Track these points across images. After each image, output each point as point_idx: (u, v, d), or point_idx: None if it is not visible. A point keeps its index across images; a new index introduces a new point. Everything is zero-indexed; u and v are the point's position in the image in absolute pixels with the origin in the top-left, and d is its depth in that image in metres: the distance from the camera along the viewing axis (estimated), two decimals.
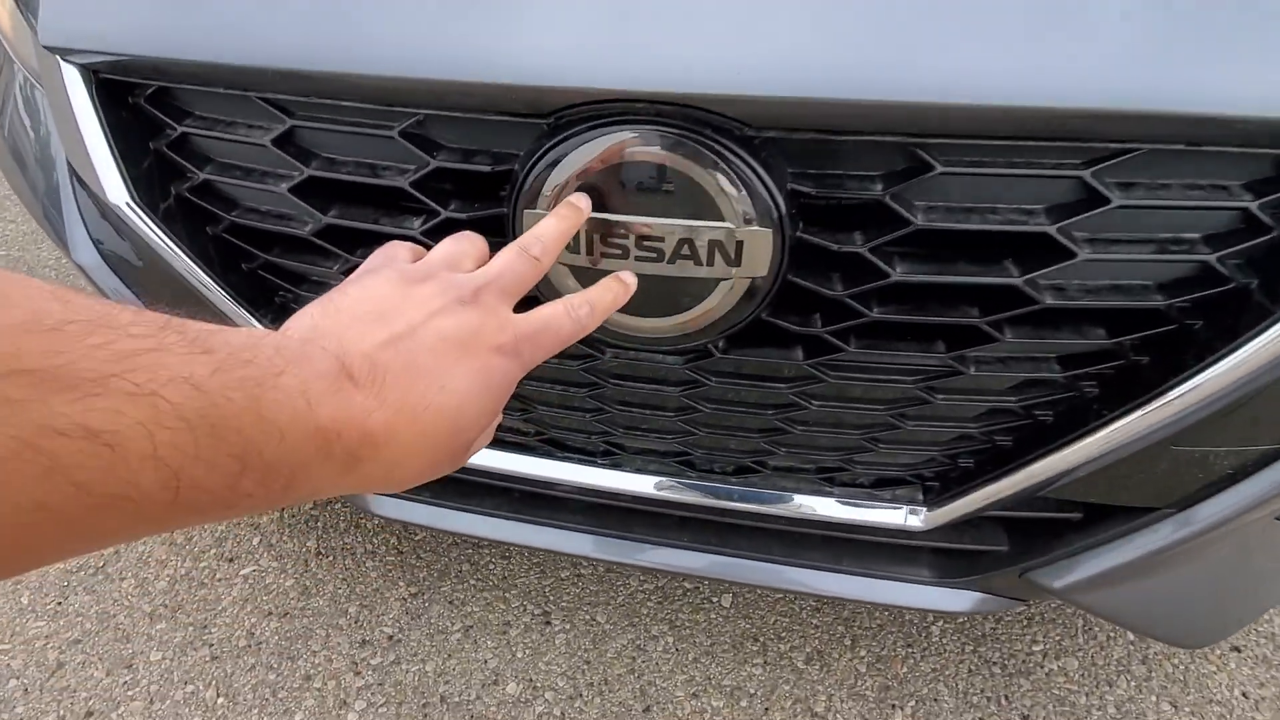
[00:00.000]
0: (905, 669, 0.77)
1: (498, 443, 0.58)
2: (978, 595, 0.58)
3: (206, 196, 0.46)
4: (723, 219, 0.37)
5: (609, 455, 0.56)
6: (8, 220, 1.56)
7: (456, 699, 0.76)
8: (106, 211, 0.48)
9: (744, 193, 0.36)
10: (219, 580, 0.87)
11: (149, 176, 0.46)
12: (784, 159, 0.37)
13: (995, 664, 0.77)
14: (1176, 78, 0.32)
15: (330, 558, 0.89)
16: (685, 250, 0.38)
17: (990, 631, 0.80)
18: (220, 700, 0.76)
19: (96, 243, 0.54)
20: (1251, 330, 0.36)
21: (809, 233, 0.38)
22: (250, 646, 0.80)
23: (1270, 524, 0.56)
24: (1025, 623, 0.81)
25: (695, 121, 0.35)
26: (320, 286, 0.48)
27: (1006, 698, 0.74)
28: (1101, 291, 0.38)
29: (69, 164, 0.53)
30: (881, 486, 0.53)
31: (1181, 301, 0.37)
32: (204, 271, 0.47)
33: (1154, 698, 0.74)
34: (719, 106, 0.35)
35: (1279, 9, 0.32)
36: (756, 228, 0.37)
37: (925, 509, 0.51)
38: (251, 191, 0.45)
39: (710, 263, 0.38)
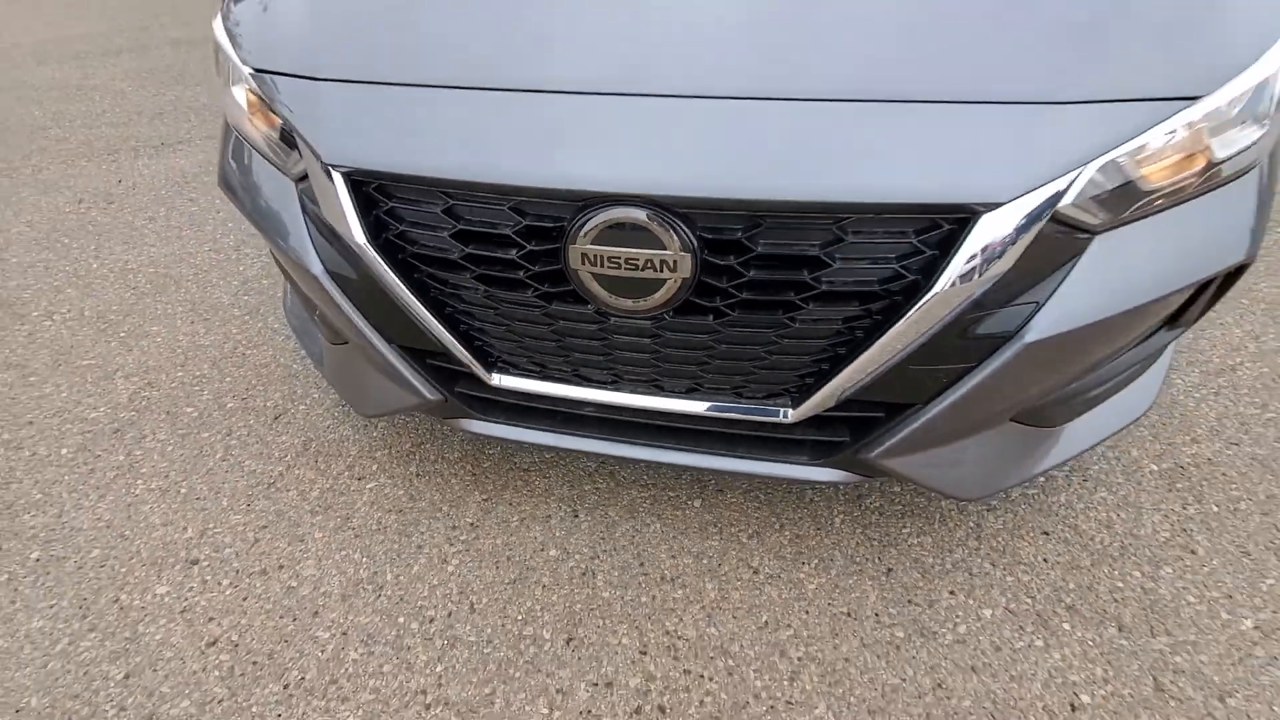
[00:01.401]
0: (814, 541, 1.15)
1: (546, 377, 0.97)
2: (836, 471, 0.96)
3: (402, 238, 0.87)
4: (666, 249, 0.76)
5: (611, 382, 0.95)
6: (148, 245, 2.02)
7: (516, 559, 1.15)
8: (344, 246, 0.89)
9: (676, 237, 0.75)
10: (353, 491, 1.28)
11: (372, 227, 0.87)
12: (694, 221, 0.76)
13: (874, 540, 1.15)
14: (866, 184, 0.71)
15: (426, 477, 1.29)
16: (649, 264, 0.77)
17: (875, 521, 1.17)
18: (364, 559, 1.16)
19: (324, 260, 0.95)
20: (918, 302, 0.74)
21: (707, 256, 0.77)
22: (379, 530, 1.21)
23: (1006, 424, 0.94)
24: (899, 515, 1.18)
25: (653, 204, 0.75)
26: (457, 288, 0.89)
27: (879, 558, 1.12)
28: (851, 282, 0.77)
29: (313, 216, 0.94)
30: (768, 398, 0.91)
31: (890, 287, 0.76)
32: (398, 278, 0.87)
33: (980, 560, 1.11)
34: (663, 199, 0.74)
35: (914, 138, 0.71)
36: (683, 253, 0.76)
37: (791, 409, 0.89)
38: (426, 235, 0.86)
39: (661, 271, 0.77)
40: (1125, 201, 0.77)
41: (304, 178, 0.94)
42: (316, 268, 0.95)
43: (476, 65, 0.86)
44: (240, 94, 1.05)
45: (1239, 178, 0.85)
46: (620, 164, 0.76)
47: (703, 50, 0.82)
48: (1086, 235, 0.77)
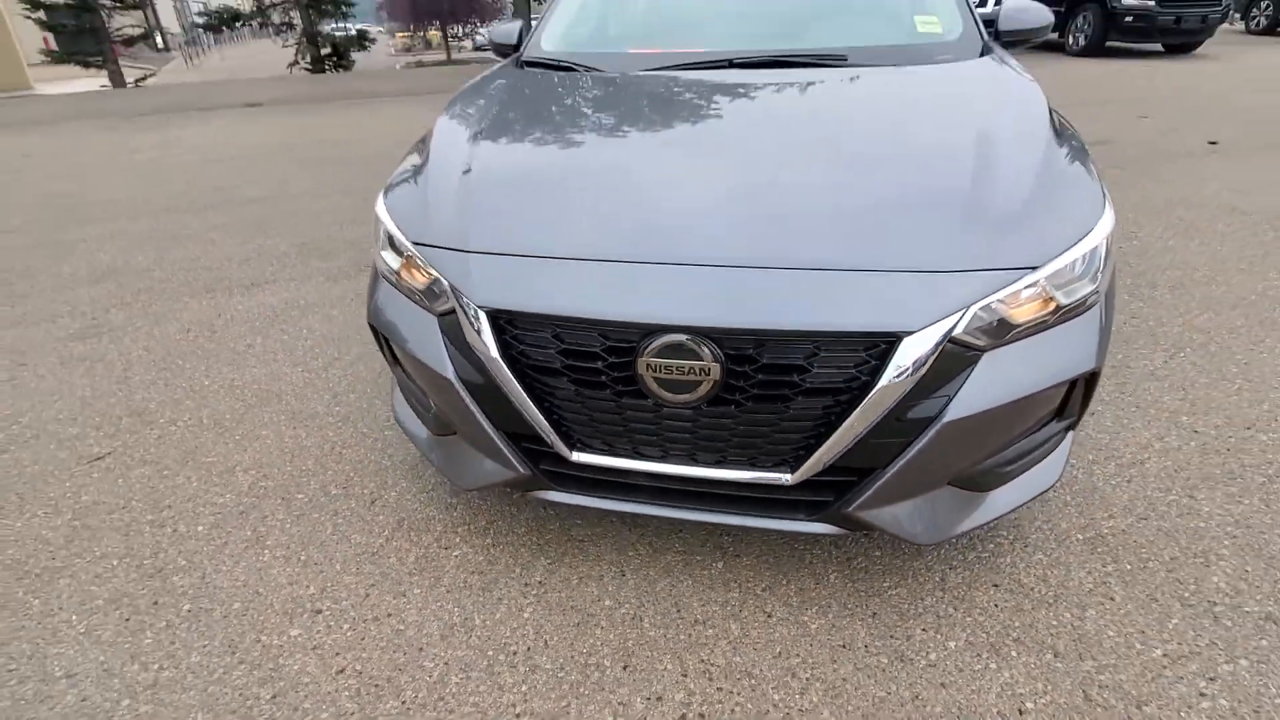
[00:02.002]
0: (815, 593, 1.45)
1: (613, 454, 1.33)
2: (826, 525, 1.30)
3: (521, 354, 1.27)
4: (702, 360, 1.16)
5: (660, 456, 1.31)
6: (250, 366, 2.43)
7: (578, 608, 1.44)
8: (477, 359, 1.29)
9: (708, 353, 1.15)
10: (441, 557, 1.58)
11: (507, 347, 1.27)
12: (720, 343, 1.16)
13: (862, 591, 1.45)
14: (832, 320, 1.12)
15: (500, 546, 1.61)
16: (691, 371, 1.17)
17: (861, 577, 1.48)
18: (455, 609, 1.45)
19: (457, 367, 1.34)
20: (868, 395, 1.13)
21: (730, 365, 1.17)
22: (465, 587, 1.50)
23: (948, 491, 1.29)
24: (880, 573, 1.49)
25: (694, 332, 1.16)
26: (555, 388, 1.27)
27: (866, 605, 1.41)
28: (825, 383, 1.16)
29: (453, 339, 1.34)
30: (774, 467, 1.27)
31: (850, 385, 1.15)
32: (516, 381, 1.26)
33: (945, 605, 1.41)
34: (700, 329, 1.15)
35: (836, 286, 1.13)
36: (714, 363, 1.16)
37: (790, 474, 1.25)
38: (538, 352, 1.26)
39: (699, 376, 1.17)
40: (1002, 331, 1.18)
41: (446, 314, 1.35)
42: (451, 374, 1.34)
43: (574, 244, 1.30)
44: (392, 257, 1.50)
45: (1084, 313, 1.27)
46: (671, 307, 1.18)
47: (722, 237, 1.27)
48: (978, 352, 1.17)
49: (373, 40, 16.51)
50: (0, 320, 2.94)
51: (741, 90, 1.84)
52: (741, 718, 1.21)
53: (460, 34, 34.20)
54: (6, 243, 3.95)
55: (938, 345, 1.13)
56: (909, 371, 1.12)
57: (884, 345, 1.13)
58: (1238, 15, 13.06)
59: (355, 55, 15.20)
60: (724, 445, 1.26)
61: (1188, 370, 2.18)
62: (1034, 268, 1.19)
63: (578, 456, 1.33)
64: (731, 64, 1.96)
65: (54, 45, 13.82)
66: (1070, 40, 10.72)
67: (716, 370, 1.16)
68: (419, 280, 1.42)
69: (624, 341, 1.20)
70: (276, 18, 14.18)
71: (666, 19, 2.41)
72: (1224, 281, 2.80)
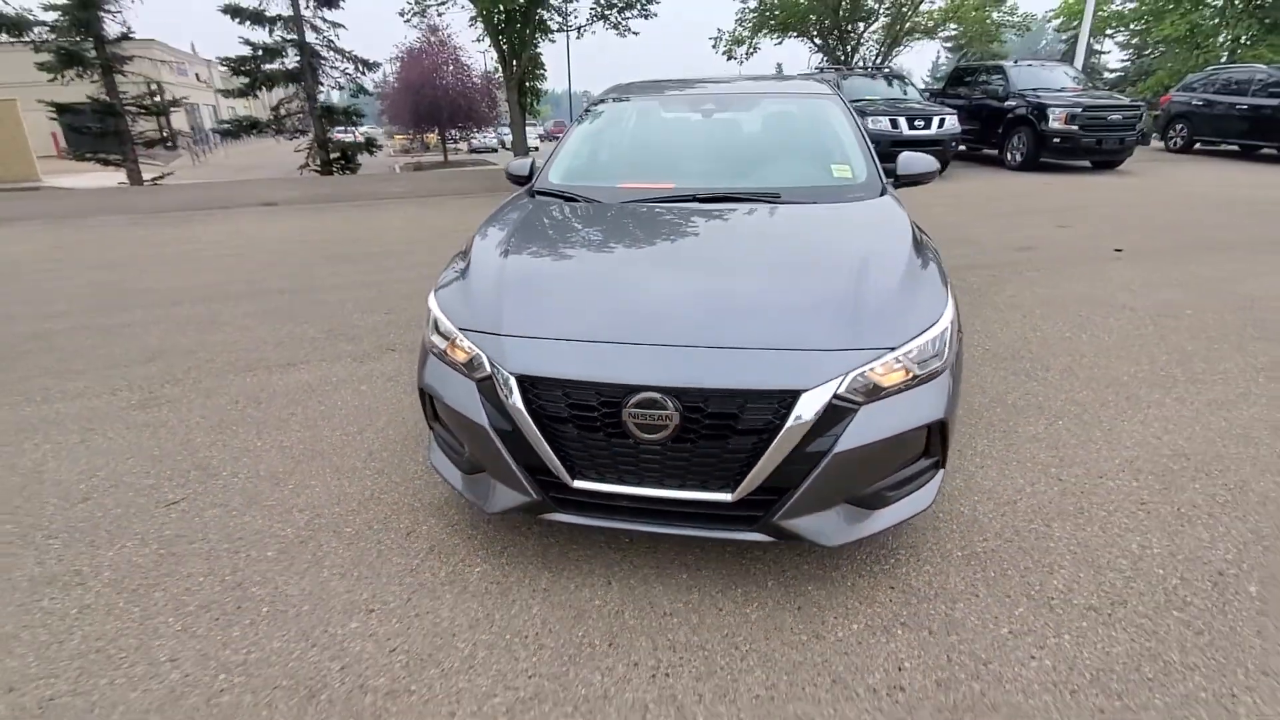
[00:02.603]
0: (756, 594, 1.89)
1: (603, 480, 1.80)
2: (759, 534, 1.77)
3: (540, 406, 1.77)
4: (667, 410, 1.67)
5: (639, 482, 1.79)
6: (294, 430, 2.89)
7: (574, 605, 1.87)
8: (506, 411, 1.79)
9: (672, 404, 1.67)
10: (466, 573, 2.01)
11: (530, 402, 1.77)
12: (679, 398, 1.68)
13: (790, 590, 1.90)
14: (755, 381, 1.66)
15: (513, 564, 2.04)
16: (660, 418, 1.68)
17: (790, 583, 1.93)
18: (479, 608, 1.87)
19: (489, 417, 1.84)
20: (779, 434, 1.64)
21: (686, 414, 1.68)
22: (488, 593, 1.92)
23: (844, 507, 1.79)
24: (803, 579, 1.94)
25: (661, 391, 1.67)
26: (562, 432, 1.77)
27: (793, 600, 1.86)
28: (752, 425, 1.67)
29: (489, 397, 1.84)
30: (720, 489, 1.75)
31: (769, 426, 1.66)
32: (537, 427, 1.76)
33: (851, 601, 1.86)
34: (665, 389, 1.67)
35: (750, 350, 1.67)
36: (675, 412, 1.67)
37: (731, 494, 1.73)
38: (552, 405, 1.76)
39: (666, 421, 1.67)
40: (874, 391, 1.71)
41: (483, 379, 1.87)
42: (485, 423, 1.84)
43: (578, 330, 1.84)
44: (439, 339, 2.03)
45: (935, 379, 1.81)
46: (646, 374, 1.70)
47: (681, 326, 1.81)
48: (857, 405, 1.70)
49: (379, 147, 17.86)
50: (64, 394, 3.39)
51: (701, 218, 2.46)
52: (695, 675, 1.64)
53: (456, 137, 36.40)
54: (57, 326, 4.44)
55: (828, 401, 1.65)
56: (807, 418, 1.64)
57: (790, 399, 1.65)
58: (1157, 135, 14.70)
59: (370, 155, 16.43)
60: (684, 472, 1.75)
61: (1062, 434, 2.73)
62: (893, 348, 1.75)
63: (578, 484, 1.81)
64: (696, 199, 2.60)
65: (63, 144, 14.77)
66: (1009, 157, 12.03)
67: (677, 417, 1.67)
68: (461, 356, 1.94)
69: (613, 397, 1.72)
70: (291, 125, 15.39)
71: (648, 162, 3.10)
72: (1105, 365, 3.41)
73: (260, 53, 14.54)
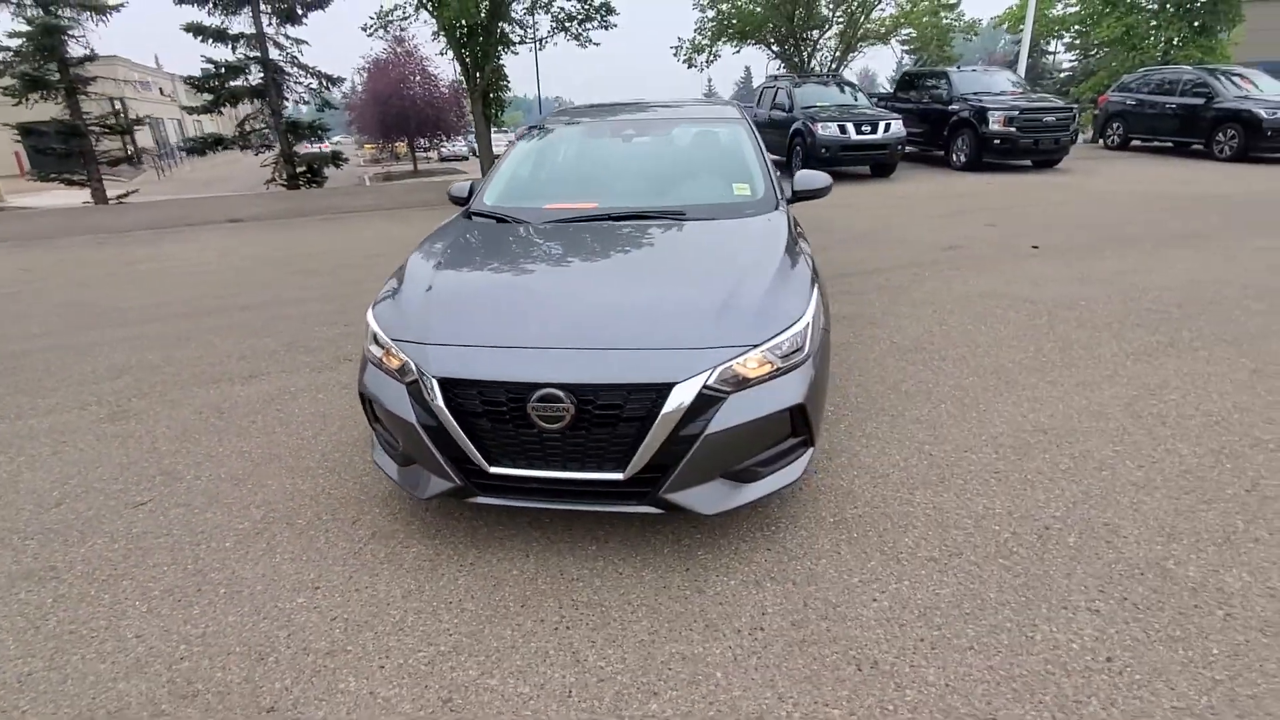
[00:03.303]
0: (655, 559, 2.20)
1: (514, 465, 2.10)
2: (649, 507, 2.08)
3: (459, 404, 2.07)
4: (564, 403, 1.97)
5: (545, 465, 2.08)
6: (253, 437, 3.14)
7: (495, 575, 2.16)
8: (430, 410, 2.08)
9: (568, 399, 1.97)
10: (403, 552, 2.29)
11: (450, 400, 2.07)
12: (574, 392, 1.98)
13: (682, 555, 2.21)
14: (635, 376, 1.97)
15: (444, 544, 2.32)
16: (558, 410, 1.98)
17: (685, 551, 2.24)
18: (413, 581, 2.15)
19: (418, 415, 2.12)
20: (657, 419, 1.95)
21: (580, 405, 1.99)
22: (420, 569, 2.21)
23: (720, 481, 2.11)
24: (695, 547, 2.25)
25: (559, 387, 1.98)
26: (478, 424, 2.06)
27: (684, 564, 2.17)
28: (634, 413, 1.98)
29: (416, 398, 2.13)
30: (613, 469, 2.06)
31: (650, 413, 1.97)
32: (455, 422, 2.05)
33: (734, 562, 2.17)
34: (562, 385, 1.98)
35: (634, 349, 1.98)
36: (570, 405, 1.97)
37: (622, 473, 2.04)
38: (469, 402, 2.06)
39: (564, 413, 1.98)
40: (741, 382, 2.03)
41: (412, 383, 2.15)
42: (414, 420, 2.12)
43: (492, 337, 2.14)
44: (376, 349, 2.31)
45: (796, 369, 2.14)
46: (547, 373, 2.00)
47: (578, 331, 2.12)
48: (725, 394, 2.02)
49: (345, 159, 17.97)
50: (36, 410, 3.60)
51: (610, 235, 2.78)
52: (591, 626, 1.94)
53: (426, 146, 36.38)
54: (29, 346, 4.63)
55: (698, 391, 1.97)
56: (680, 406, 1.96)
57: (664, 391, 1.96)
58: (1096, 135, 15.38)
59: (337, 168, 16.57)
60: (581, 456, 2.06)
61: (943, 415, 3.09)
62: (756, 344, 2.07)
63: (494, 469, 2.11)
64: (610, 217, 2.92)
65: (26, 165, 14.70)
66: (954, 158, 12.55)
67: (573, 409, 1.98)
68: (394, 363, 2.23)
69: (518, 394, 2.01)
70: (256, 140, 15.47)
71: (572, 184, 3.42)
72: (995, 354, 3.79)
73: (223, 70, 14.61)
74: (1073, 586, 2.02)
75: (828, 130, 11.84)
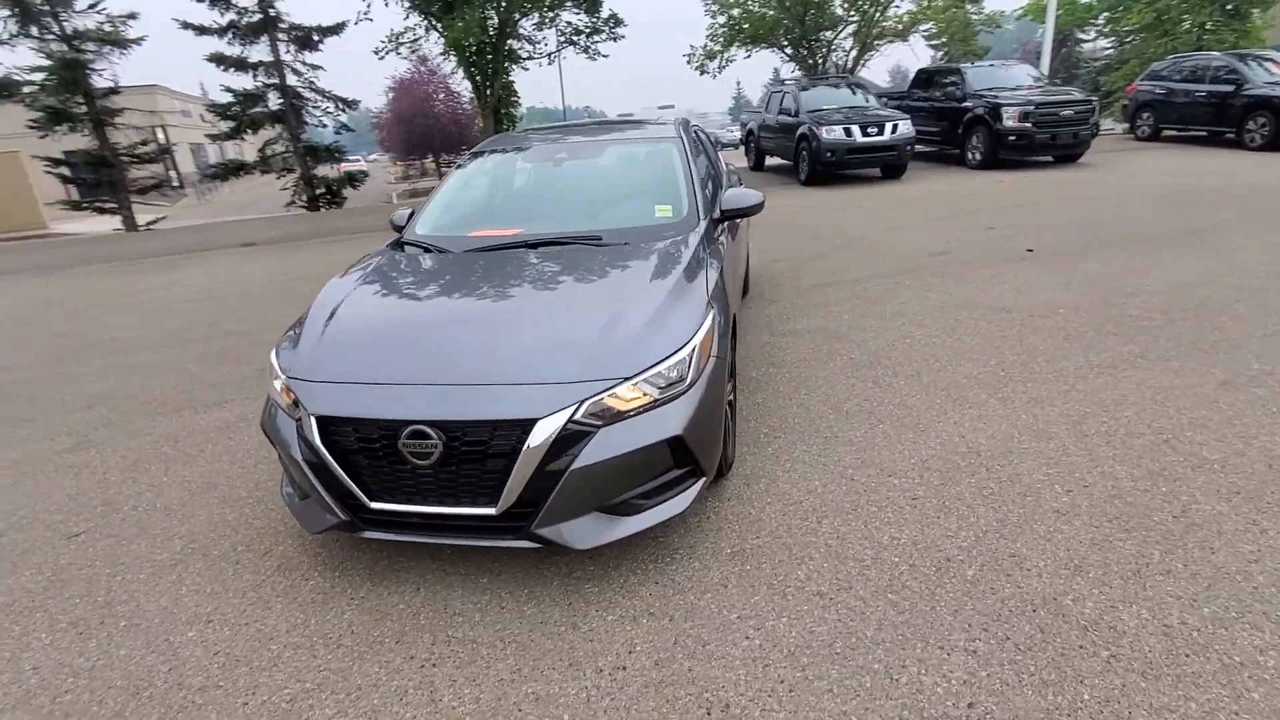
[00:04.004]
0: (541, 592, 2.18)
1: (393, 501, 2.11)
2: (524, 542, 2.06)
3: (336, 441, 2.09)
4: (433, 439, 1.98)
5: (419, 500, 2.09)
6: (198, 466, 3.23)
7: (384, 609, 2.17)
8: (313, 447, 2.11)
9: (436, 435, 1.97)
10: (300, 582, 2.32)
11: (327, 439, 2.09)
12: (442, 429, 1.99)
13: (570, 589, 2.18)
14: (500, 412, 1.96)
15: (342, 576, 2.35)
16: (427, 446, 1.98)
17: (574, 585, 2.22)
18: (302, 613, 2.18)
19: (302, 451, 2.15)
20: (521, 455, 1.94)
21: (449, 442, 1.99)
22: (315, 601, 2.24)
23: (595, 515, 2.09)
24: (582, 579, 2.23)
25: (428, 424, 1.98)
26: (356, 461, 2.08)
27: (567, 596, 2.15)
28: (501, 449, 1.97)
29: (303, 435, 2.16)
30: (485, 504, 2.05)
31: (515, 449, 1.96)
32: (333, 459, 2.08)
33: (618, 595, 2.14)
34: (430, 423, 1.98)
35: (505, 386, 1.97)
36: (439, 442, 1.97)
37: (494, 508, 2.03)
38: (346, 439, 2.08)
39: (432, 449, 1.98)
40: (613, 416, 2.01)
41: (300, 420, 2.19)
42: (300, 457, 2.16)
43: (369, 375, 2.16)
44: (279, 384, 2.36)
45: (676, 399, 2.10)
46: (415, 410, 2.01)
47: (450, 367, 2.12)
48: (595, 427, 1.99)
49: (364, 176, 18.44)
50: (9, 440, 3.77)
51: (517, 264, 2.79)
52: (456, 664, 1.93)
53: (453, 161, 37.16)
54: (19, 376, 4.86)
55: (563, 426, 1.95)
56: (543, 441, 1.94)
57: (527, 426, 1.95)
58: (1125, 124, 14.78)
59: (354, 189, 17.06)
60: (454, 491, 2.06)
61: (876, 437, 2.99)
62: (628, 377, 2.04)
63: (375, 505, 2.12)
64: (526, 245, 2.92)
65: (74, 195, 15.55)
66: (969, 156, 12.23)
67: (441, 446, 1.98)
68: (287, 399, 2.27)
69: (390, 431, 2.03)
70: (277, 164, 16.01)
71: (500, 210, 3.45)
72: (952, 369, 3.66)
73: (243, 98, 15.19)
74: (956, 624, 1.93)
75: (833, 133, 11.68)
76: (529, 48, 15.69)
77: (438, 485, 2.06)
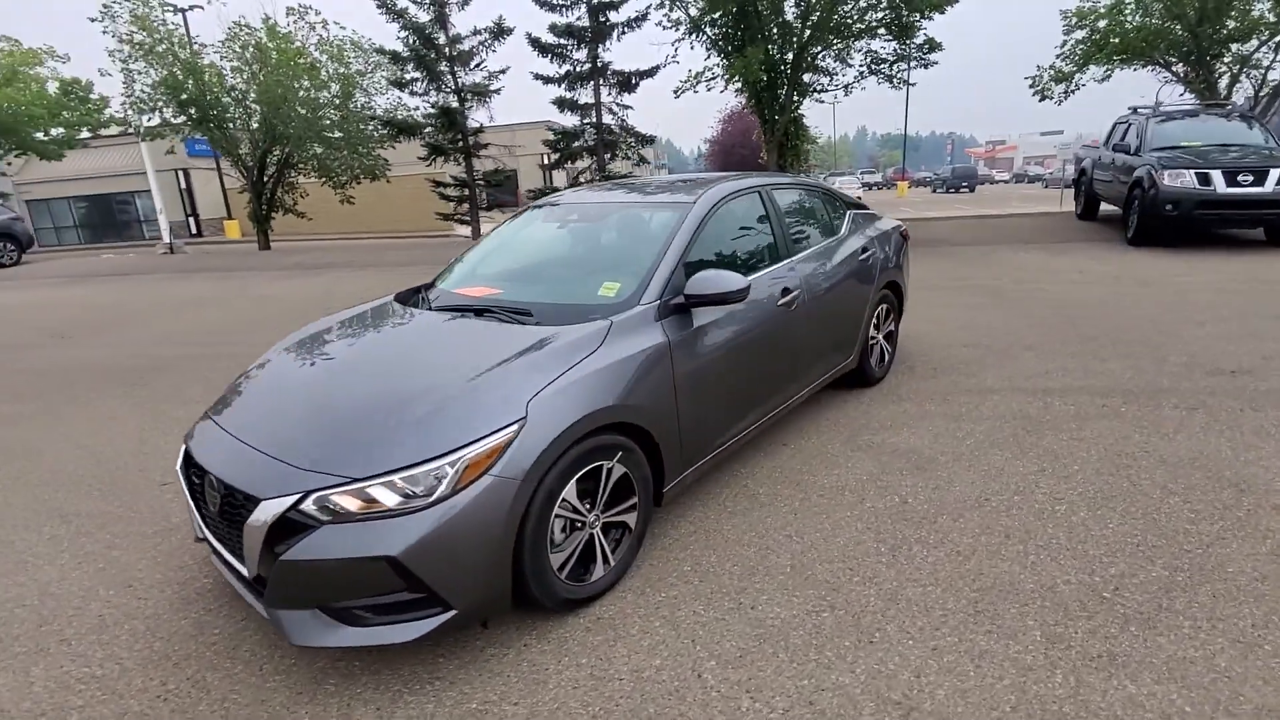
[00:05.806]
0: (409, 672, 2.16)
1: (208, 529, 2.29)
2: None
3: (188, 470, 2.37)
4: (215, 489, 2.11)
5: (220, 540, 2.21)
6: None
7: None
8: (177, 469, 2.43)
9: (217, 485, 2.10)
10: (203, 642, 2.68)
11: (182, 463, 2.39)
12: (220, 482, 2.10)
13: (435, 661, 2.11)
14: (261, 486, 2.00)
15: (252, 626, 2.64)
16: (212, 495, 2.13)
17: (443, 657, 2.13)
18: (225, 662, 2.52)
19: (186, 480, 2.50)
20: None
21: (224, 496, 2.09)
22: (221, 654, 2.57)
23: (315, 613, 1.97)
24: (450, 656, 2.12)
25: (209, 474, 2.13)
26: (194, 495, 2.33)
27: (428, 669, 2.08)
28: (241, 513, 2.00)
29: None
30: (243, 563, 2.08)
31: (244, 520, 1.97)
32: (186, 486, 2.36)
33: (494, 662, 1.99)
34: (209, 472, 2.12)
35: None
36: (217, 492, 2.10)
37: (248, 572, 2.06)
38: (187, 471, 2.35)
39: (214, 499, 2.12)
40: (343, 514, 1.88)
41: None
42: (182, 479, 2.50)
43: (228, 418, 2.38)
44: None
45: (413, 514, 1.87)
46: (211, 461, 2.16)
47: (260, 427, 2.22)
48: (320, 522, 1.88)
49: None
50: None
51: (429, 327, 2.79)
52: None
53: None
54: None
55: (281, 512, 1.90)
56: (262, 522, 1.91)
57: (255, 502, 1.95)
58: None
59: None
60: (233, 544, 2.14)
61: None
62: (356, 479, 1.89)
63: (200, 535, 2.34)
64: (467, 309, 2.86)
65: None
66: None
67: (219, 498, 2.11)
68: None
69: (200, 472, 2.23)
70: None
71: (493, 269, 3.44)
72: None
73: (565, 134, 18.03)
74: None
75: (1180, 179, 9.00)
76: (822, 80, 15.16)
77: (220, 533, 2.18)
